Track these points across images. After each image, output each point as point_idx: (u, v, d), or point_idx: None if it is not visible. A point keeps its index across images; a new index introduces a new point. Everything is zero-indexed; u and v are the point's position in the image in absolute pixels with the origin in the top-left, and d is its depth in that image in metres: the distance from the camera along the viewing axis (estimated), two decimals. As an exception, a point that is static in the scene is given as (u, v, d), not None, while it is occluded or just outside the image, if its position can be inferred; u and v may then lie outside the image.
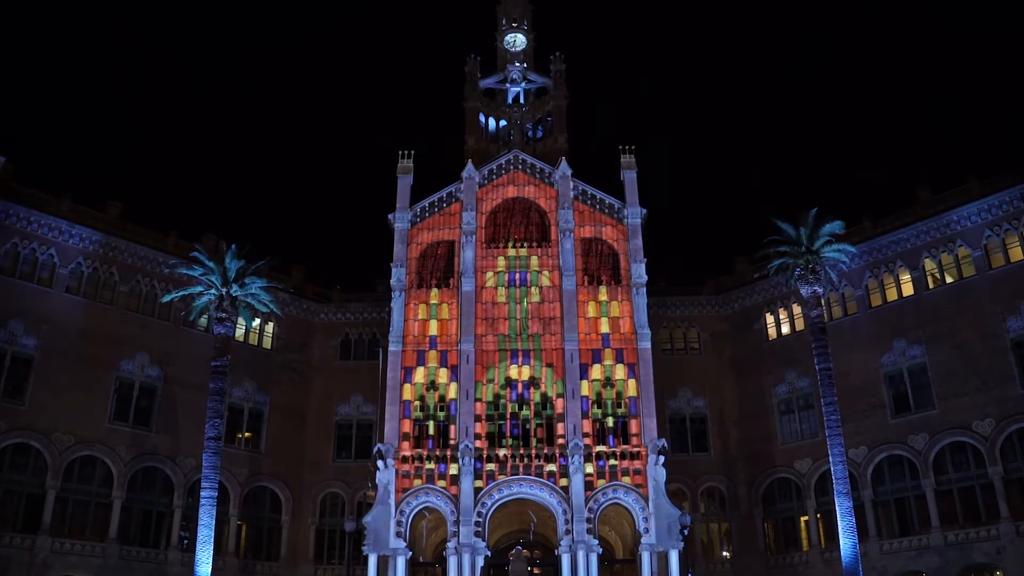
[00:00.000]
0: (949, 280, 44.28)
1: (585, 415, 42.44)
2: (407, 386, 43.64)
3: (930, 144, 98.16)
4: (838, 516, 37.12)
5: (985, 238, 43.11)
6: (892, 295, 46.03)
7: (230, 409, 45.69)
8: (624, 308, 44.80)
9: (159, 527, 43.89)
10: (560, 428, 42.27)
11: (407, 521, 40.86)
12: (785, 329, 49.78)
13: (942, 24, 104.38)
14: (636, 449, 41.55)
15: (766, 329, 50.53)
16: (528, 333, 44.46)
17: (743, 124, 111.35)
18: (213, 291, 40.58)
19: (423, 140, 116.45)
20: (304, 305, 52.51)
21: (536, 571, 45.90)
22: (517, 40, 59.94)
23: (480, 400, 43.02)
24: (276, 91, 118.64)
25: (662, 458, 41.06)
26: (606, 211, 47.06)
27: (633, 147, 47.87)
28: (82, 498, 42.03)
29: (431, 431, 43.06)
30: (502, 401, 43.29)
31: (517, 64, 59.21)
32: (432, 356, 44.28)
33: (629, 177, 47.30)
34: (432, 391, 43.71)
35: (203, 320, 46.16)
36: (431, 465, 41.74)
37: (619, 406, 43.09)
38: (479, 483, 41.21)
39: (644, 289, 44.87)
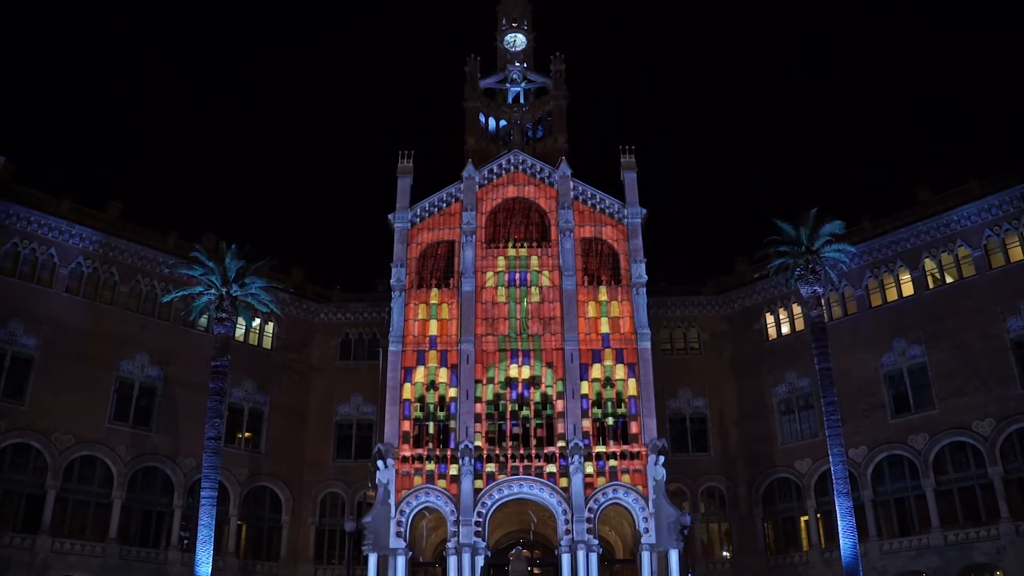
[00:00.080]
0: (949, 280, 44.28)
1: (585, 415, 42.45)
2: (407, 386, 43.67)
3: (930, 144, 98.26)
4: (838, 516, 37.11)
5: (985, 238, 43.11)
6: (892, 295, 46.03)
7: (230, 409, 45.71)
8: (624, 308, 44.81)
9: (159, 527, 43.88)
10: (560, 428, 42.28)
11: (407, 521, 40.87)
12: (785, 329, 49.79)
13: (942, 24, 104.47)
14: (636, 449, 41.56)
15: (766, 329, 50.53)
16: (528, 333, 44.48)
17: (743, 124, 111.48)
18: (213, 291, 40.57)
19: (423, 140, 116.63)
20: (304, 305, 52.51)
21: (536, 571, 45.89)
22: (517, 40, 59.94)
23: (480, 400, 43.02)
24: (276, 91, 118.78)
25: (662, 458, 41.06)
26: (606, 211, 47.09)
27: (633, 147, 47.96)
28: (82, 498, 42.02)
29: (431, 431, 43.07)
30: (502, 401, 43.30)
31: (517, 64, 59.21)
32: (432, 356, 44.31)
33: (629, 177, 47.33)
34: (432, 391, 43.72)
35: (203, 320, 46.16)
36: (431, 465, 41.74)
37: (619, 406, 43.10)
38: (479, 483, 41.22)
39: (644, 289, 44.89)
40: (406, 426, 42.86)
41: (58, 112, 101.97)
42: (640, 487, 40.84)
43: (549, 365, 43.77)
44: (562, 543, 40.09)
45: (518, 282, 45.69)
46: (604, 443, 42.18)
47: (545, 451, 41.83)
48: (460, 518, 40.36)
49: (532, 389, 43.51)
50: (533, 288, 45.52)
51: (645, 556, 39.58)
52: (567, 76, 57.30)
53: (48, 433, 41.12)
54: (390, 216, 47.27)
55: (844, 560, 36.43)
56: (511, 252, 46.36)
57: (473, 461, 41.27)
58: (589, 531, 39.89)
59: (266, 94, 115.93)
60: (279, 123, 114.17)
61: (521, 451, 41.88)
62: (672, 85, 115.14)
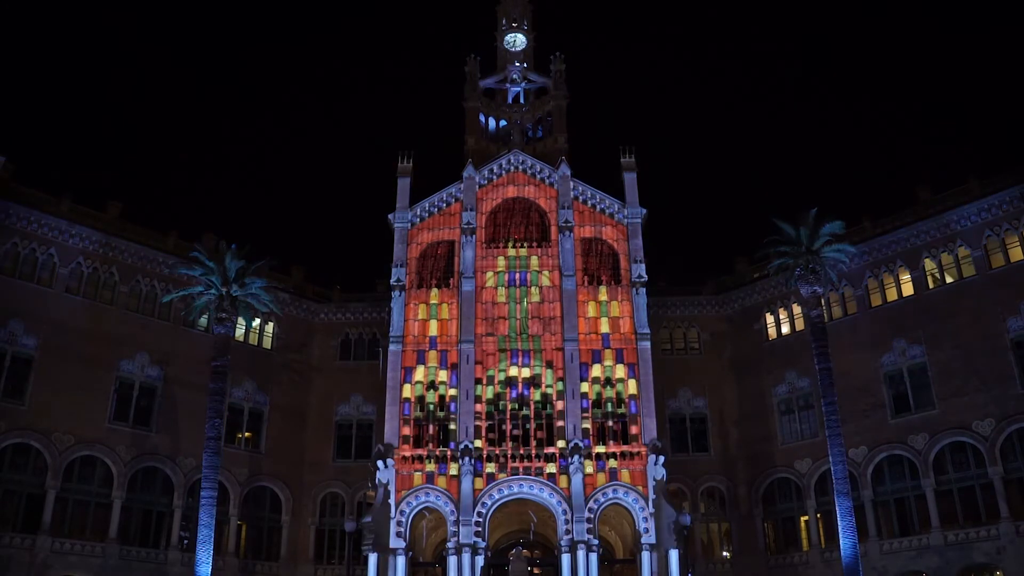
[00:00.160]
0: (949, 280, 44.28)
1: (585, 415, 42.46)
2: (407, 386, 43.70)
3: (930, 144, 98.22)
4: (838, 516, 37.10)
5: (985, 238, 43.11)
6: (892, 295, 46.03)
7: (230, 409, 45.74)
8: (624, 308, 44.83)
9: (159, 527, 43.87)
10: (560, 428, 42.27)
11: (407, 521, 40.87)
12: (785, 329, 49.78)
13: (942, 24, 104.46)
14: (636, 449, 41.57)
15: (766, 329, 50.52)
16: (528, 333, 44.49)
17: (743, 124, 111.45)
18: (213, 291, 40.57)
19: (423, 140, 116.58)
20: (304, 305, 52.51)
21: (536, 571, 45.89)
22: (517, 40, 59.94)
23: (480, 400, 43.04)
24: (276, 91, 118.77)
25: (662, 458, 41.08)
26: (606, 211, 47.11)
27: (633, 148, 48.03)
28: (82, 498, 42.01)
29: (431, 431, 43.09)
30: (502, 401, 43.33)
31: (517, 64, 59.22)
32: (432, 356, 44.33)
33: (629, 178, 47.35)
34: (432, 391, 43.74)
35: (203, 320, 46.15)
36: (431, 465, 41.75)
37: (619, 406, 43.12)
38: (479, 483, 41.23)
39: (644, 289, 44.93)
40: (406, 426, 42.87)
41: (58, 112, 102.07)
42: (640, 487, 40.84)
43: (549, 365, 43.79)
44: (562, 543, 40.10)
45: (518, 282, 45.71)
46: (604, 443, 42.19)
47: (545, 451, 41.83)
48: (460, 518, 40.37)
49: (532, 389, 43.52)
50: (533, 288, 45.54)
51: (645, 556, 39.59)
52: (567, 76, 57.29)
53: (48, 433, 41.12)
54: (390, 216, 47.29)
55: (844, 560, 36.43)
56: (511, 252, 46.38)
57: (473, 461, 41.28)
58: (589, 531, 39.89)
59: (266, 94, 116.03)
60: (279, 123, 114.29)
61: (521, 451, 41.88)
62: (672, 85, 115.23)
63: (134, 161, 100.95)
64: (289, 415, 49.90)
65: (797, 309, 48.80)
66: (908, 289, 45.44)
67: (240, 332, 47.69)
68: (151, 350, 45.34)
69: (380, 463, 41.50)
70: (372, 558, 39.94)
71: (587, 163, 63.47)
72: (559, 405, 42.81)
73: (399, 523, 40.67)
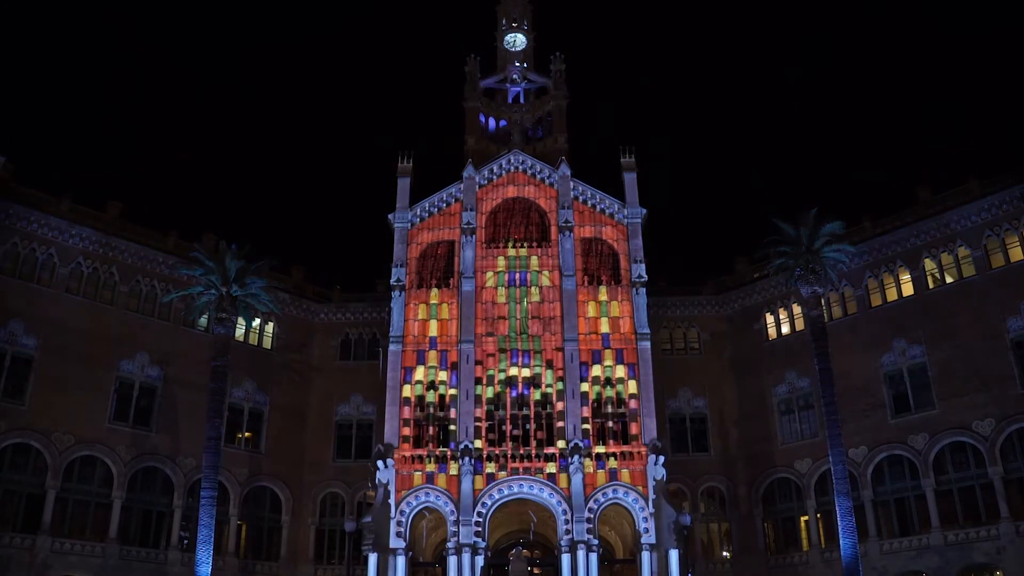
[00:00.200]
0: (949, 280, 44.27)
1: (585, 415, 42.44)
2: (407, 386, 43.68)
3: (930, 144, 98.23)
4: (838, 516, 37.08)
5: (985, 238, 43.10)
6: (892, 295, 46.02)
7: (230, 409, 45.73)
8: (624, 308, 44.83)
9: (159, 527, 43.87)
10: (560, 428, 42.27)
11: (407, 521, 40.87)
12: (785, 329, 49.78)
13: (942, 24, 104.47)
14: (636, 449, 41.55)
15: (766, 329, 50.52)
16: (528, 333, 44.48)
17: (743, 124, 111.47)
18: (213, 291, 40.54)
19: (423, 140, 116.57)
20: (304, 305, 52.50)
21: (536, 571, 45.89)
22: (517, 40, 59.96)
23: (480, 400, 43.03)
24: (276, 91, 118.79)
25: (662, 458, 41.07)
26: (606, 211, 47.11)
27: (633, 148, 48.00)
28: (82, 498, 42.01)
29: (431, 431, 43.10)
30: (502, 401, 43.31)
31: (517, 64, 59.24)
32: (432, 356, 44.33)
33: (629, 178, 47.35)
34: (432, 391, 43.72)
35: (203, 320, 46.14)
36: (431, 465, 41.73)
37: (619, 406, 43.11)
38: (479, 483, 41.22)
39: (644, 289, 44.93)
40: (406, 426, 42.86)
41: (58, 112, 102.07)
42: (640, 487, 40.84)
43: (549, 365, 43.79)
44: (562, 543, 40.09)
45: (518, 282, 45.71)
46: (604, 443, 42.18)
47: (545, 451, 41.82)
48: (460, 518, 40.36)
49: (532, 389, 43.52)
50: (533, 288, 45.53)
51: (645, 556, 39.58)
52: (567, 76, 57.31)
53: (48, 433, 41.12)
54: (390, 216, 47.29)
55: (844, 560, 36.41)
56: (511, 252, 46.38)
57: (473, 461, 41.27)
58: (589, 531, 39.88)
59: (266, 94, 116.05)
60: (279, 123, 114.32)
61: (521, 451, 41.88)
62: (672, 85, 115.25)
63: (134, 161, 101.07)
64: (289, 415, 49.89)
65: (797, 309, 48.79)
66: (908, 289, 45.43)
67: (240, 332, 47.68)
68: (151, 350, 45.34)
69: (380, 463, 41.50)
70: (372, 558, 39.93)
71: (587, 163, 63.55)
72: (559, 405, 42.81)
73: (399, 523, 40.67)
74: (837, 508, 37.10)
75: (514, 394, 43.50)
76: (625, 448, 41.73)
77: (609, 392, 43.24)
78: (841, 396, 39.82)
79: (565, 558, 39.76)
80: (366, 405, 50.10)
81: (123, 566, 41.59)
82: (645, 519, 40.19)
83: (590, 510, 40.40)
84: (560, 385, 43.19)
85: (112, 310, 44.92)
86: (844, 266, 42.30)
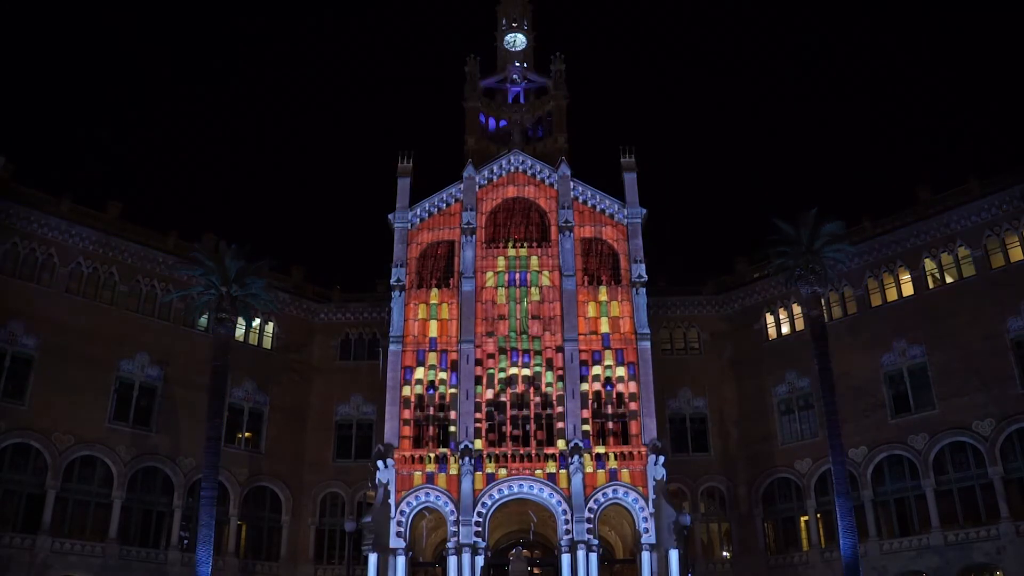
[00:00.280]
0: (949, 280, 44.27)
1: (585, 415, 42.43)
2: (407, 386, 43.65)
3: (930, 144, 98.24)
4: (838, 516, 37.09)
5: (985, 238, 43.09)
6: (892, 295, 46.01)
7: (230, 409, 45.70)
8: (624, 308, 44.82)
9: (159, 527, 43.87)
10: (560, 428, 42.26)
11: (407, 521, 40.86)
12: (785, 329, 49.78)
13: (942, 24, 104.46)
14: (636, 449, 41.53)
15: (766, 329, 50.51)
16: (528, 333, 44.46)
17: (743, 124, 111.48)
18: (213, 291, 40.54)
19: (423, 140, 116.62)
20: (304, 305, 52.49)
21: (536, 571, 45.88)
22: (517, 40, 59.98)
23: (480, 400, 43.01)
24: (276, 91, 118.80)
25: (662, 458, 41.06)
26: (606, 211, 47.10)
27: (633, 148, 47.97)
28: (82, 498, 42.01)
29: (431, 431, 43.09)
30: (502, 401, 43.30)
31: (517, 64, 59.26)
32: (432, 356, 44.32)
33: (629, 178, 47.34)
34: (432, 391, 43.71)
35: (203, 320, 46.15)
36: (431, 465, 41.72)
37: (619, 406, 43.10)
38: (479, 483, 41.20)
39: (644, 289, 44.92)
40: (406, 426, 42.85)
41: (58, 112, 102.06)
42: (640, 487, 40.83)
43: (549, 365, 43.77)
44: (562, 543, 40.08)
45: (518, 282, 45.69)
46: (604, 443, 42.18)
47: (545, 451, 41.81)
48: (460, 518, 40.35)
49: (532, 389, 43.50)
50: (533, 288, 45.52)
51: (645, 556, 39.58)
52: (567, 76, 57.32)
53: (48, 433, 41.11)
54: (390, 216, 47.28)
55: (844, 560, 36.41)
56: (511, 252, 46.37)
57: (473, 461, 41.26)
58: (589, 531, 39.87)
59: (266, 94, 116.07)
60: (279, 123, 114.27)
61: (521, 451, 41.87)
62: (672, 85, 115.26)
63: (134, 161, 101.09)
64: (289, 415, 49.89)
65: (797, 309, 48.77)
66: (908, 289, 45.43)
67: (240, 332, 47.65)
68: (151, 350, 45.33)
69: (380, 463, 41.49)
70: (372, 558, 39.92)
71: (587, 163, 63.55)
72: (559, 405, 42.79)
73: (399, 523, 40.66)
74: (837, 508, 37.11)
75: (514, 394, 43.47)
76: (625, 448, 41.71)
77: (609, 392, 43.22)
78: (841, 396, 39.82)
79: (565, 558, 39.75)
80: (366, 405, 50.10)
81: (123, 566, 41.58)
82: (645, 519, 40.18)
83: (590, 510, 40.39)
84: (560, 385, 43.18)
85: (112, 310, 44.91)
86: (844, 266, 42.31)
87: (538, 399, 43.33)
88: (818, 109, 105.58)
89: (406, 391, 43.51)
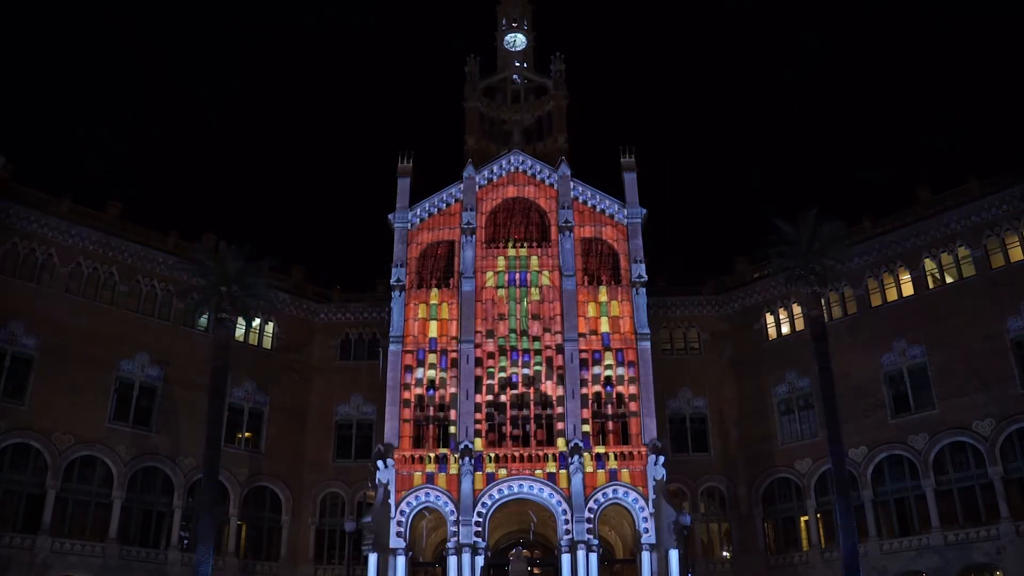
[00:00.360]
0: (949, 280, 44.27)
1: (585, 415, 42.41)
2: (407, 386, 43.61)
3: (930, 144, 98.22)
4: (838, 516, 37.10)
5: (985, 238, 43.09)
6: (892, 295, 46.01)
7: (230, 409, 45.70)
8: (624, 308, 44.81)
9: (159, 527, 43.87)
10: (560, 428, 42.26)
11: (407, 521, 40.86)
12: (785, 329, 49.78)
13: (942, 24, 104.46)
14: (636, 449, 41.52)
15: (766, 329, 50.51)
16: (528, 333, 44.45)
17: (743, 124, 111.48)
18: (213, 291, 40.54)
19: (423, 140, 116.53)
20: (304, 305, 52.49)
21: (536, 571, 45.88)
22: (517, 40, 59.99)
23: (480, 400, 43.00)
24: (276, 91, 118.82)
25: (662, 458, 41.05)
26: (606, 211, 47.09)
27: (633, 148, 47.95)
28: (82, 498, 42.01)
29: (431, 431, 43.08)
30: (502, 401, 43.29)
31: (517, 64, 59.29)
32: (432, 356, 44.29)
33: (629, 178, 47.33)
34: (432, 391, 43.70)
35: (203, 320, 46.16)
36: (431, 465, 41.72)
37: (619, 406, 43.10)
38: (479, 483, 41.20)
39: (644, 289, 44.90)
40: (406, 426, 42.84)
41: (58, 112, 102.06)
42: (640, 487, 40.82)
43: (549, 365, 43.75)
44: (562, 543, 40.08)
45: (518, 282, 45.68)
46: (604, 443, 42.18)
47: (545, 451, 41.81)
48: (460, 518, 40.35)
49: (532, 389, 43.50)
50: (533, 288, 45.50)
51: (645, 556, 39.57)
52: (567, 76, 57.35)
53: (48, 433, 41.11)
54: (390, 216, 47.27)
55: (844, 560, 36.39)
56: (511, 252, 46.36)
57: (473, 461, 41.26)
58: (589, 531, 39.87)
59: (266, 94, 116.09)
60: (279, 123, 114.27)
61: (521, 451, 41.86)
62: (672, 85, 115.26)
63: (134, 161, 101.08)
64: (289, 415, 49.89)
65: (797, 309, 48.78)
66: (908, 289, 45.43)
67: (240, 332, 47.64)
68: (151, 350, 45.33)
69: (380, 463, 41.48)
70: (372, 558, 39.92)
71: (587, 163, 63.54)
72: (559, 405, 42.78)
73: (399, 523, 40.66)
74: (837, 508, 37.12)
75: (514, 394, 43.47)
76: (625, 448, 41.70)
77: (609, 392, 43.21)
78: (841, 396, 39.79)
79: (565, 558, 39.75)
80: (366, 405, 50.10)
81: (123, 566, 41.59)
82: (645, 519, 40.18)
83: (590, 510, 40.38)
84: (560, 385, 43.15)
85: (112, 310, 44.92)
86: (844, 266, 42.29)
87: (538, 399, 43.30)
88: (818, 109, 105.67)
89: (406, 391, 43.50)
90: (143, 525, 43.49)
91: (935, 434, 42.28)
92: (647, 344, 43.86)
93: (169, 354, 45.82)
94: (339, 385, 50.92)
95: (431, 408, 43.49)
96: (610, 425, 42.68)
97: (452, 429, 42.57)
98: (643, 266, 45.23)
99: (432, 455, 41.86)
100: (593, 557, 39.59)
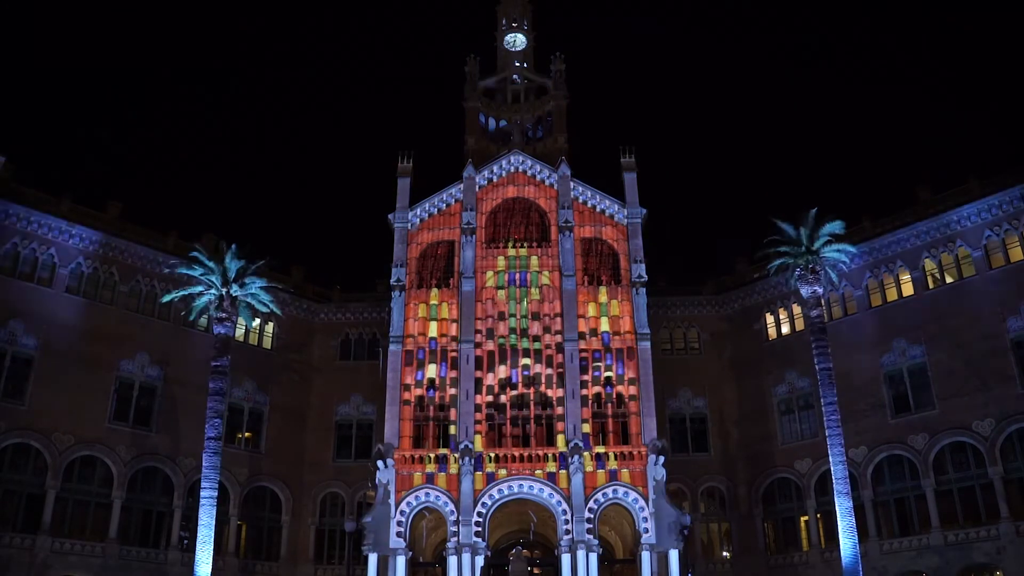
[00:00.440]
0: (949, 280, 44.28)
1: (585, 415, 42.41)
2: (407, 386, 43.59)
3: (930, 144, 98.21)
4: (838, 516, 37.11)
5: (985, 238, 43.09)
6: (892, 295, 46.02)
7: (230, 409, 45.66)
8: (624, 308, 44.81)
9: (159, 527, 43.87)
10: (560, 428, 42.26)
11: (407, 521, 40.86)
12: (785, 329, 49.78)
13: (942, 24, 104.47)
14: (636, 449, 41.52)
15: (766, 329, 50.52)
16: (528, 333, 44.44)
17: (743, 123, 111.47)
18: (213, 291, 40.56)
19: (423, 140, 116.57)
20: (304, 305, 52.50)
21: (536, 571, 45.90)
22: (517, 40, 59.99)
23: (480, 400, 43.00)
24: (276, 91, 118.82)
25: (662, 458, 41.06)
26: (606, 211, 47.09)
27: (633, 148, 47.96)
28: (82, 498, 42.01)
29: (431, 431, 43.07)
30: (502, 401, 43.29)
31: (517, 64, 59.29)
32: (432, 356, 44.27)
33: (629, 178, 47.33)
34: (432, 391, 43.69)
35: (203, 320, 46.12)
36: (431, 465, 41.71)
37: (619, 406, 43.10)
38: (479, 483, 41.20)
39: (644, 289, 44.90)
40: (406, 426, 42.83)
41: (58, 112, 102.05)
42: (640, 487, 40.82)
43: (549, 365, 43.74)
44: (562, 543, 40.08)
45: (518, 282, 45.67)
46: (604, 443, 42.17)
47: (545, 451, 41.81)
48: (460, 518, 40.35)
49: (532, 389, 43.49)
50: (533, 288, 45.50)
51: (645, 556, 39.58)
52: (567, 76, 57.33)
53: (48, 433, 41.11)
54: (390, 216, 47.27)
55: (844, 560, 36.43)
56: (511, 252, 46.36)
57: (473, 461, 41.26)
58: (589, 531, 39.88)
59: (266, 94, 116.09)
60: (279, 123, 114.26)
61: (521, 451, 41.87)
62: (671, 85, 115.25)
63: (134, 161, 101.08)
64: (289, 415, 49.89)
65: (797, 309, 48.79)
66: (908, 289, 45.44)
67: (240, 332, 47.64)
68: (151, 350, 45.34)
69: (380, 463, 41.49)
70: (372, 558, 39.94)
71: (587, 163, 63.47)
72: (559, 405, 42.78)
73: (399, 523, 40.66)
74: (837, 508, 37.12)
75: (514, 394, 43.47)
76: (625, 448, 41.70)
77: (609, 392, 43.21)
78: (841, 396, 39.78)
79: (565, 558, 39.76)
80: (366, 405, 50.10)
81: (123, 566, 41.60)
82: (645, 519, 40.19)
83: (590, 510, 40.39)
84: (560, 385, 43.15)
85: (112, 310, 44.92)
86: (844, 266, 42.27)
87: (538, 399, 43.30)
88: (818, 109, 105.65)
89: (406, 391, 43.49)
90: (143, 525, 43.49)
91: (935, 434, 42.28)
92: (647, 344, 43.86)
93: (169, 354, 45.83)
94: (339, 385, 50.92)
95: (431, 408, 43.49)
96: (610, 425, 42.68)
97: (452, 429, 42.56)
98: (643, 266, 45.23)
99: (432, 455, 41.86)
100: (593, 557, 39.59)
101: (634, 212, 46.61)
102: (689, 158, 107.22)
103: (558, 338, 44.09)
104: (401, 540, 40.33)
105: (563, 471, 41.26)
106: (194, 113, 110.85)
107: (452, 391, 43.39)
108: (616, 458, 41.45)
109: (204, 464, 38.00)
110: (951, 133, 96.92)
